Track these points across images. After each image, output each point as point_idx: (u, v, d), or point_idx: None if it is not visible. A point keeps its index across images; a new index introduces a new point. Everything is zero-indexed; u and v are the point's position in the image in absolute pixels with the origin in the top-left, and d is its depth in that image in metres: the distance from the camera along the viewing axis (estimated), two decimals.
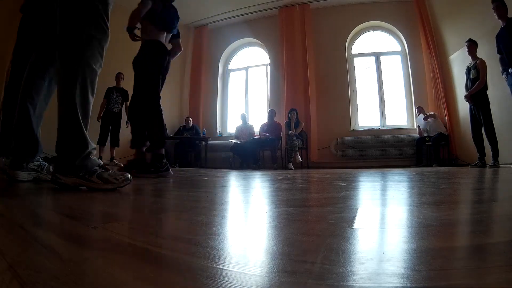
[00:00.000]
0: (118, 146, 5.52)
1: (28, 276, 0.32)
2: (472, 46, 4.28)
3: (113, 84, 5.57)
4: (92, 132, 4.70)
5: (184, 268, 0.37)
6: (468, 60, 4.40)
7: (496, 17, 3.60)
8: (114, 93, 5.50)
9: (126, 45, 6.76)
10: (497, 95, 4.16)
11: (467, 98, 4.16)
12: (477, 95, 4.08)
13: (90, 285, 0.32)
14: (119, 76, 5.58)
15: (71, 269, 0.36)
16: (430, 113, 5.68)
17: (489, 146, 3.98)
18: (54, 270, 0.35)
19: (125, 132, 5.66)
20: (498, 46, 3.72)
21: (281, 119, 6.30)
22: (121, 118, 5.56)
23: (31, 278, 0.32)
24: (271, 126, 6.06)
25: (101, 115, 5.41)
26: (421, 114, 5.68)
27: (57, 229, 0.60)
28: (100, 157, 5.34)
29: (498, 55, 3.77)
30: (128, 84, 5.73)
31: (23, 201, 1.01)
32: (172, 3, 2.69)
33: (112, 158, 5.47)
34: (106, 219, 0.72)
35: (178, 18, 2.74)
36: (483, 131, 4.10)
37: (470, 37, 4.31)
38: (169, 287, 0.31)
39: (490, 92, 4.08)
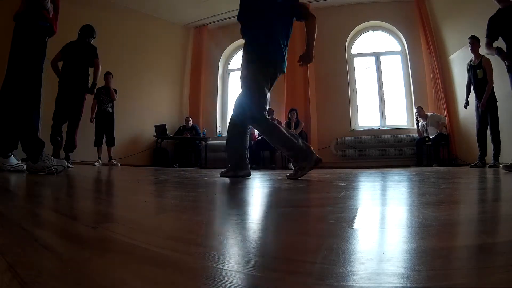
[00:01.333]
0: (114, 145, 5.52)
1: (28, 276, 0.32)
2: (475, 43, 4.15)
3: (102, 84, 5.54)
4: (87, 133, 4.77)
5: (184, 268, 0.37)
6: (469, 58, 4.36)
7: (496, 2, 3.20)
8: (104, 93, 5.49)
9: (115, 45, 6.75)
10: (497, 94, 4.15)
11: (483, 106, 4.00)
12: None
13: (90, 285, 0.32)
14: (107, 76, 5.56)
15: (71, 269, 0.36)
16: (430, 113, 5.68)
17: (491, 146, 3.96)
18: (54, 270, 0.35)
19: (120, 131, 5.67)
20: (491, 30, 3.29)
21: (281, 119, 6.30)
22: (114, 118, 5.56)
23: (31, 278, 0.32)
24: None
25: (94, 116, 5.39)
26: (422, 120, 5.66)
27: (57, 229, 0.60)
28: (99, 158, 5.35)
29: (486, 40, 3.32)
30: (114, 84, 5.70)
31: (23, 201, 1.01)
32: None
33: (110, 158, 5.47)
34: (106, 219, 0.72)
35: None
36: (488, 131, 4.06)
37: (467, 39, 4.27)
38: (169, 287, 0.31)
39: None
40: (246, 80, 2.23)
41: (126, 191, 1.48)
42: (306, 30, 2.24)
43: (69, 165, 3.97)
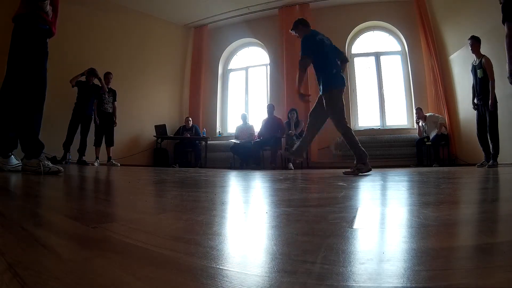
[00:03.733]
0: (113, 145, 5.53)
1: (28, 276, 0.32)
2: (475, 43, 4.13)
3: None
4: (90, 133, 4.86)
5: (184, 268, 0.37)
6: (470, 59, 4.34)
7: None
8: (105, 93, 5.50)
9: (115, 45, 6.76)
10: (498, 95, 4.15)
11: (492, 105, 3.94)
12: (487, 93, 4.00)
13: (90, 285, 0.32)
14: (108, 76, 5.56)
15: (71, 269, 0.36)
16: (428, 114, 5.68)
17: (492, 146, 3.95)
18: (54, 270, 0.35)
19: (121, 132, 5.68)
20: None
21: (282, 119, 6.30)
22: (113, 118, 5.58)
23: (31, 278, 0.32)
24: (271, 122, 6.01)
25: (96, 117, 5.42)
26: (421, 121, 5.67)
27: (57, 229, 0.60)
28: (97, 158, 5.35)
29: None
30: (115, 85, 5.74)
31: (23, 201, 1.01)
32: None
33: (109, 158, 5.47)
34: (106, 219, 0.72)
35: None
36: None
37: (467, 39, 4.26)
38: (169, 287, 0.31)
39: None
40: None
41: (126, 191, 1.48)
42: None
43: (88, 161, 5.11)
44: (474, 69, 4.22)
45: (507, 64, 3.08)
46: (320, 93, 3.14)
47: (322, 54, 3.04)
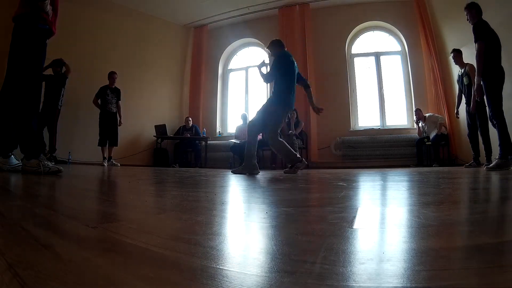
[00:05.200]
0: (116, 145, 5.53)
1: (28, 276, 0.32)
2: (457, 55, 4.29)
3: (106, 83, 5.53)
4: (90, 133, 4.88)
5: (184, 268, 0.37)
6: (469, 59, 4.34)
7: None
8: (109, 94, 5.48)
9: (115, 45, 6.76)
10: None
11: (473, 108, 3.97)
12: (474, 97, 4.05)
13: (90, 285, 0.32)
14: (112, 76, 5.51)
15: (71, 269, 0.36)
16: (428, 114, 5.68)
17: (484, 147, 3.97)
18: (54, 270, 0.35)
19: (121, 131, 5.68)
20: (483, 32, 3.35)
21: None
22: (118, 117, 5.57)
23: (31, 278, 0.32)
24: None
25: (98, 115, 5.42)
26: (421, 121, 5.68)
27: (57, 229, 0.60)
28: (105, 158, 5.36)
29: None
30: (118, 84, 5.71)
31: (23, 201, 1.01)
32: None
33: (109, 158, 5.47)
34: (106, 219, 0.72)
35: None
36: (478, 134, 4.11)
37: (467, 38, 4.26)
38: (169, 287, 0.31)
39: None
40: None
41: (126, 191, 1.49)
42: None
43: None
44: (461, 79, 4.32)
45: (476, 77, 3.30)
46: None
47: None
